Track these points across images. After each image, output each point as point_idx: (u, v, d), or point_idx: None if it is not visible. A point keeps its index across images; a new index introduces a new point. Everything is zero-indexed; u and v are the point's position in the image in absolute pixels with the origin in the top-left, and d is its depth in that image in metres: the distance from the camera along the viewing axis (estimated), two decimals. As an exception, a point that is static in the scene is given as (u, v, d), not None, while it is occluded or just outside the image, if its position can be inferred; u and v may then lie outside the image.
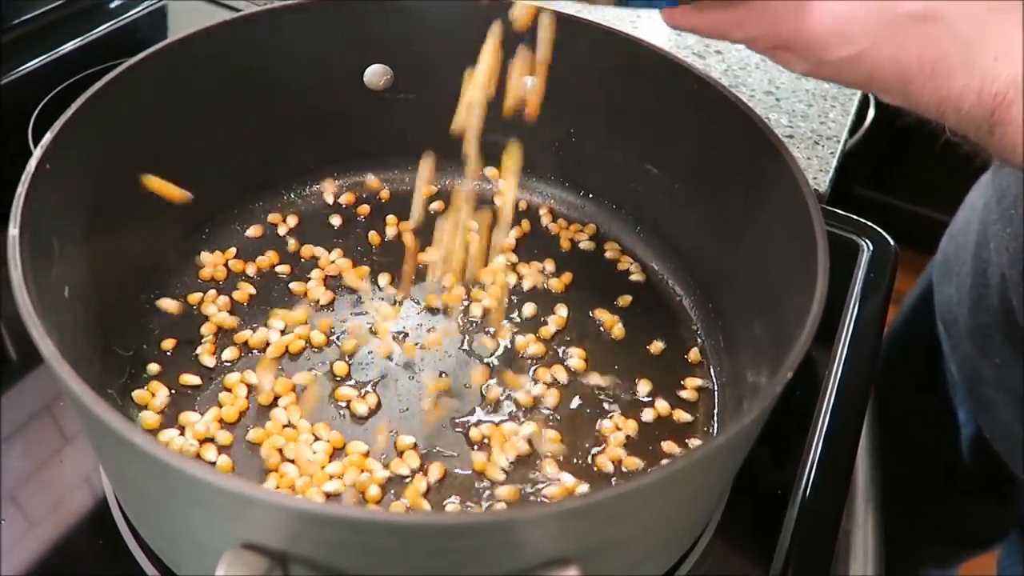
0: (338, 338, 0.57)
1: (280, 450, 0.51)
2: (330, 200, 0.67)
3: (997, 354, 0.66)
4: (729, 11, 0.42)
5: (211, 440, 0.51)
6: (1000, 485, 0.77)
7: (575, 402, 0.55)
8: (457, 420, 0.53)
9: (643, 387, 0.56)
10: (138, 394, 0.53)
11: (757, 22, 0.42)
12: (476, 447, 0.52)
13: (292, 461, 0.50)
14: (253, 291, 0.60)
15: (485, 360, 0.57)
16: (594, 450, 0.53)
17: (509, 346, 0.58)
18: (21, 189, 0.43)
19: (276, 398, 0.54)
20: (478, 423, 0.53)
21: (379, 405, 0.54)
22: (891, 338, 0.85)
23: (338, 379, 0.55)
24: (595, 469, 0.52)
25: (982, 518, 0.84)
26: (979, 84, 0.39)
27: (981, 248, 0.67)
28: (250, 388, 0.54)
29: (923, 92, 0.41)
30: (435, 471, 0.50)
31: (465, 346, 0.58)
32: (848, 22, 0.40)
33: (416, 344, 0.57)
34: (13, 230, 0.41)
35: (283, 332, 0.57)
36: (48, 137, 0.46)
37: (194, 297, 0.59)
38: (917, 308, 0.82)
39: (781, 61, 0.43)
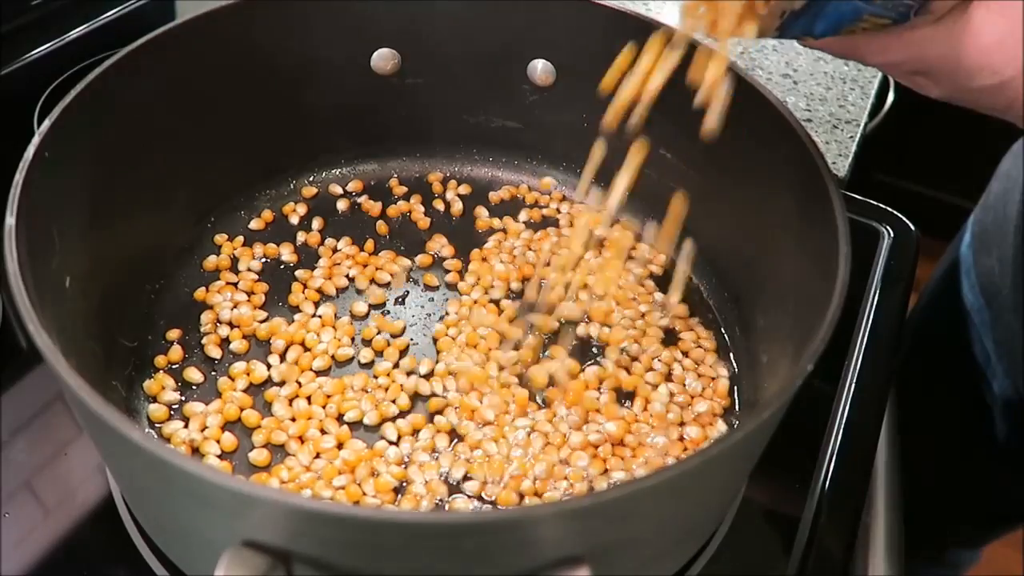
0: (353, 327, 0.56)
1: (285, 444, 0.50)
2: (338, 188, 0.66)
3: None
4: (873, 36, 0.40)
5: (215, 432, 0.50)
6: None
7: (593, 389, 0.54)
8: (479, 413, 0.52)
9: (660, 374, 0.55)
10: (144, 385, 0.52)
11: (902, 49, 0.40)
12: (492, 440, 0.51)
13: (299, 456, 0.49)
14: (259, 280, 0.59)
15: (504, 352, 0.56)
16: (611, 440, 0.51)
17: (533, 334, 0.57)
18: (18, 177, 0.42)
19: (282, 384, 0.53)
20: (499, 414, 0.52)
21: (389, 394, 0.53)
22: (915, 316, 0.84)
23: (344, 366, 0.55)
24: (612, 460, 0.50)
25: (1016, 494, 0.83)
26: None
27: None
28: (257, 380, 0.53)
29: None
30: (450, 468, 0.49)
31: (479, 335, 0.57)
32: (997, 51, 0.38)
33: (429, 335, 0.57)
34: (10, 219, 0.40)
35: (291, 323, 0.57)
36: (46, 124, 0.45)
37: (199, 287, 0.58)
38: (942, 285, 0.81)
39: (916, 85, 0.42)
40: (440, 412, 0.52)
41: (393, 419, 0.52)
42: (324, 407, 0.52)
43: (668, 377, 0.55)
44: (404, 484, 0.49)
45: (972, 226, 0.77)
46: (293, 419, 0.51)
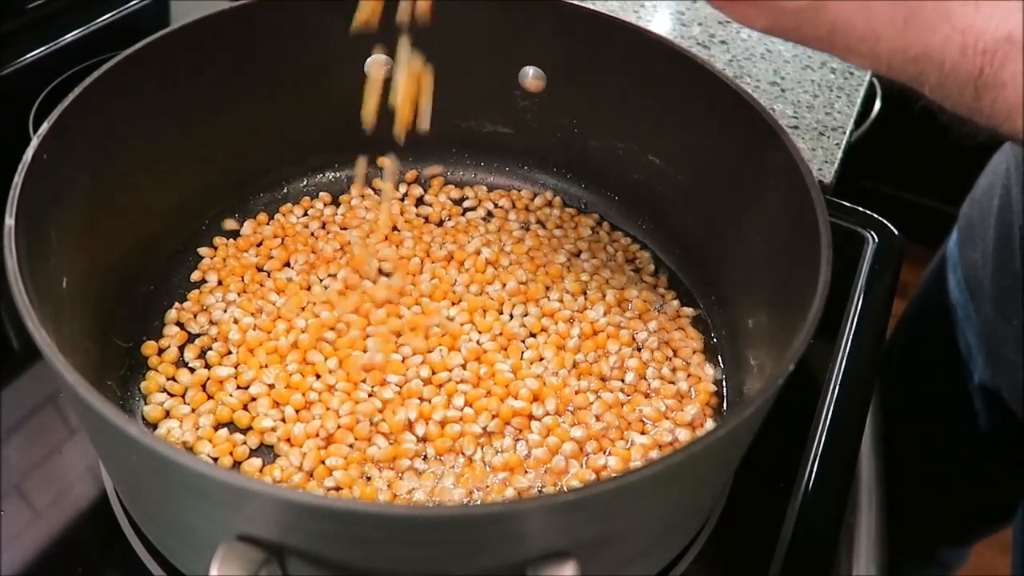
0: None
1: (275, 443, 0.51)
2: (331, 191, 0.67)
3: (1017, 316, 0.66)
4: None
5: (207, 432, 0.51)
6: (1020, 450, 0.76)
7: (580, 391, 0.54)
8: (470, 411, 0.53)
9: (647, 376, 0.56)
10: (139, 385, 0.53)
11: None
12: (487, 442, 0.52)
13: (290, 456, 0.50)
14: (253, 282, 0.60)
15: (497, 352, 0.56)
16: (601, 440, 0.52)
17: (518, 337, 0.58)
18: (17, 179, 0.42)
19: (272, 386, 0.53)
20: (490, 416, 0.53)
21: (383, 389, 0.54)
22: (904, 312, 0.85)
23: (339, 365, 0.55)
24: (601, 458, 0.51)
25: (1001, 486, 0.84)
26: (961, 38, 0.36)
27: (1005, 212, 0.67)
28: (247, 383, 0.54)
29: (896, 48, 0.37)
30: (439, 463, 0.50)
31: (472, 339, 0.58)
32: None
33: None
34: (9, 220, 0.41)
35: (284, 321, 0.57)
36: (45, 127, 0.45)
37: (193, 289, 0.59)
38: (931, 281, 0.82)
39: (738, 15, 0.41)
40: (428, 418, 0.53)
41: (382, 427, 0.52)
42: (315, 409, 0.52)
43: (657, 377, 0.56)
44: (391, 486, 0.49)
45: (959, 221, 0.78)
46: (284, 420, 0.52)
